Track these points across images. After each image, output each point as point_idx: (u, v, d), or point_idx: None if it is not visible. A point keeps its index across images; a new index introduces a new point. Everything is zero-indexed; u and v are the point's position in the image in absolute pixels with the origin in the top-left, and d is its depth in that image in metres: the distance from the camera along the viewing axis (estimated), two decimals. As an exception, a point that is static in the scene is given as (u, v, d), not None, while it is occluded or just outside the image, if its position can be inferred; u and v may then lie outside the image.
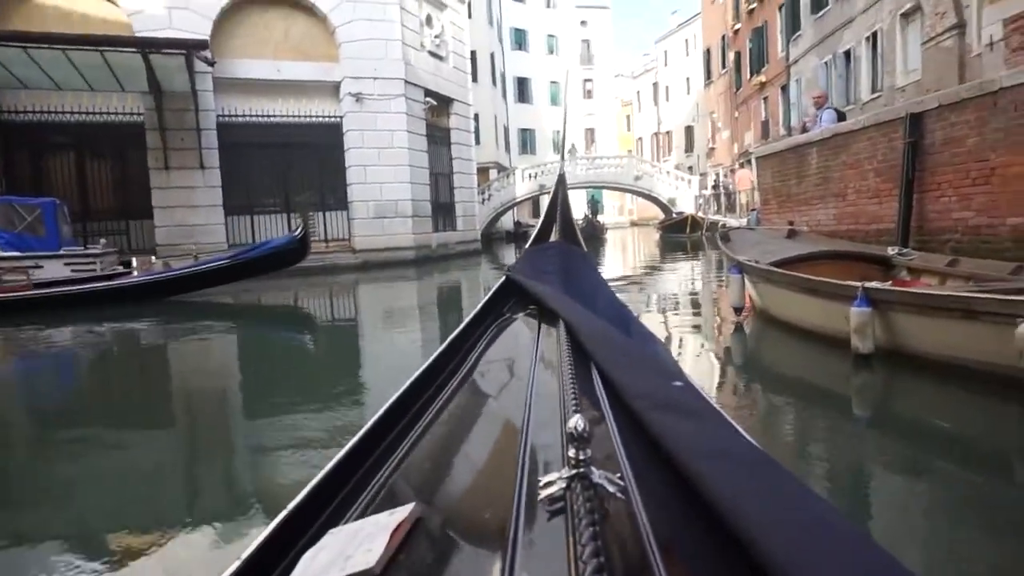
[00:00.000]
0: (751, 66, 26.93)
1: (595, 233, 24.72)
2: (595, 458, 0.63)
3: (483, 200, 23.90)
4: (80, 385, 5.05)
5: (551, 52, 40.04)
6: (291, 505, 0.82)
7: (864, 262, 5.19)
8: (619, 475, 0.66)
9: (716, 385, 3.84)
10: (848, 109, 14.10)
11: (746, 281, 5.43)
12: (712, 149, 34.52)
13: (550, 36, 40.19)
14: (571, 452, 0.62)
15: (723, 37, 31.34)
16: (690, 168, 35.62)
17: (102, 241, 10.34)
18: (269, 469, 2.76)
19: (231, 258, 9.10)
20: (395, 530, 0.68)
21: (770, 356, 4.71)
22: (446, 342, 1.52)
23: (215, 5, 12.62)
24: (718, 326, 5.86)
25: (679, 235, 21.49)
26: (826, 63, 18.74)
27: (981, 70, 10.27)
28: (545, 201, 3.39)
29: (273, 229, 13.18)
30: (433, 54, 15.91)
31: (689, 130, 40.34)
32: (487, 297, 1.96)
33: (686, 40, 41.51)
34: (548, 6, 40.35)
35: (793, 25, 21.50)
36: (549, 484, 0.64)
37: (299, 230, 9.16)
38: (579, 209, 30.68)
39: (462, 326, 1.66)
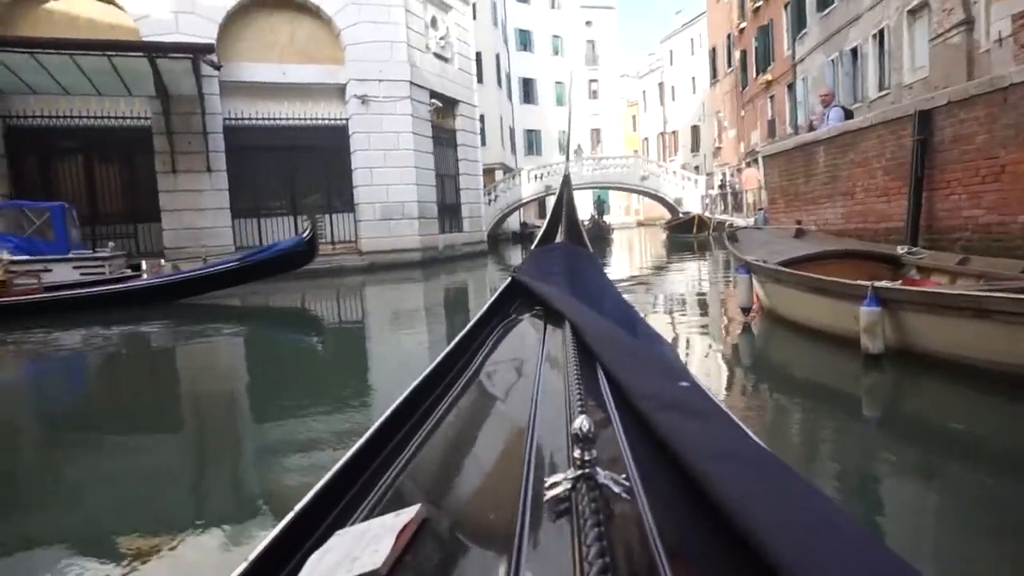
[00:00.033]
0: (757, 65, 26.85)
1: (601, 234, 24.71)
2: (601, 459, 0.63)
3: (489, 201, 23.91)
4: (89, 388, 5.09)
5: (556, 53, 40.02)
6: (298, 506, 0.82)
7: (873, 261, 5.15)
8: (624, 476, 0.66)
9: (724, 386, 3.83)
10: (855, 107, 14.05)
11: (754, 281, 5.40)
12: (718, 148, 34.41)
13: (555, 37, 40.18)
14: (576, 453, 0.62)
15: (728, 36, 31.24)
16: (696, 168, 35.52)
17: (110, 244, 10.41)
18: (277, 471, 2.77)
19: (240, 260, 9.15)
20: (401, 531, 0.68)
21: (778, 356, 4.69)
22: (452, 343, 1.52)
23: (221, 9, 12.71)
24: (726, 326, 5.83)
25: (686, 235, 21.43)
26: (833, 61, 18.66)
27: (990, 66, 10.19)
28: (551, 202, 3.38)
29: (279, 232, 13.25)
30: (438, 56, 15.94)
31: (695, 130, 40.24)
32: (493, 298, 1.96)
33: (691, 39, 41.41)
34: (553, 7, 40.35)
35: (799, 23, 21.41)
36: (555, 485, 0.64)
37: (307, 232, 9.20)
38: (585, 210, 30.68)
39: (468, 327, 1.66)
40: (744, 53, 28.75)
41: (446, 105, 16.32)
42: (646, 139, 49.54)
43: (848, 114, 8.85)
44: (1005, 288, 3.47)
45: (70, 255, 9.17)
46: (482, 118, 21.45)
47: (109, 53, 10.41)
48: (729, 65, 31.94)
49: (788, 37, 22.87)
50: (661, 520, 0.60)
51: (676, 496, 0.66)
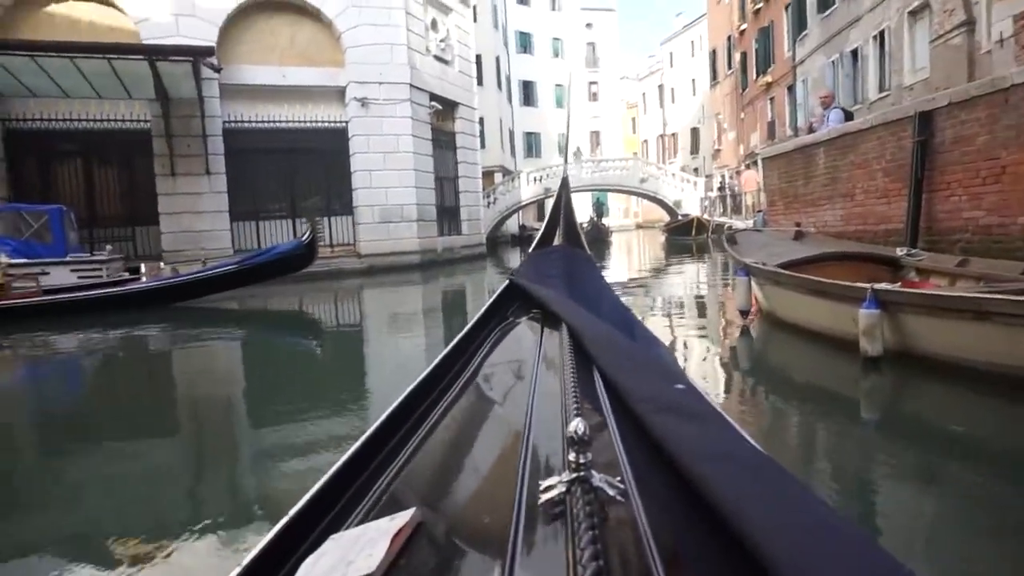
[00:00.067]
0: (757, 66, 26.89)
1: (600, 236, 24.75)
2: (596, 462, 0.63)
3: (488, 204, 23.93)
4: (86, 391, 5.08)
5: (556, 55, 40.11)
6: (292, 511, 0.82)
7: (872, 263, 5.15)
8: (620, 479, 0.65)
9: (722, 389, 3.82)
10: (855, 109, 14.06)
11: (753, 283, 5.40)
12: (718, 151, 34.45)
13: (555, 39, 40.27)
14: (571, 456, 0.62)
15: (729, 38, 31.30)
16: (696, 170, 35.56)
17: (108, 247, 10.42)
18: (273, 475, 2.76)
19: (238, 263, 9.13)
20: (396, 535, 0.68)
21: (777, 359, 4.68)
22: (449, 346, 1.52)
23: (221, 12, 12.73)
24: (724, 329, 5.82)
25: (685, 237, 21.46)
26: (833, 62, 18.68)
27: (991, 67, 10.21)
28: (550, 204, 3.38)
29: (278, 234, 13.26)
30: (438, 58, 15.96)
31: (695, 132, 40.29)
32: (490, 301, 1.96)
33: (692, 41, 41.49)
34: (553, 9, 40.44)
35: (799, 25, 21.45)
36: (549, 488, 0.63)
37: (307, 235, 9.20)
38: (584, 212, 30.73)
39: (465, 330, 1.66)
40: (744, 55, 28.80)
41: (446, 108, 16.34)
42: (645, 141, 49.60)
43: (848, 116, 8.85)
44: (1005, 290, 3.47)
45: (68, 258, 9.16)
46: (482, 120, 21.48)
47: (110, 56, 10.44)
48: (729, 67, 32.00)
49: (788, 39, 22.90)
50: (656, 523, 0.60)
51: (671, 499, 0.66)
